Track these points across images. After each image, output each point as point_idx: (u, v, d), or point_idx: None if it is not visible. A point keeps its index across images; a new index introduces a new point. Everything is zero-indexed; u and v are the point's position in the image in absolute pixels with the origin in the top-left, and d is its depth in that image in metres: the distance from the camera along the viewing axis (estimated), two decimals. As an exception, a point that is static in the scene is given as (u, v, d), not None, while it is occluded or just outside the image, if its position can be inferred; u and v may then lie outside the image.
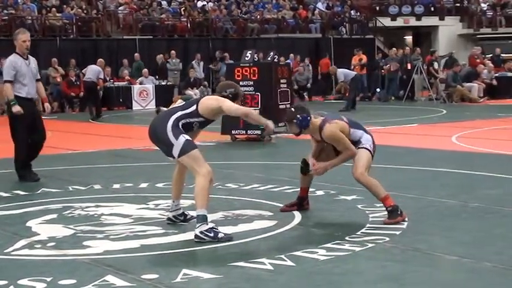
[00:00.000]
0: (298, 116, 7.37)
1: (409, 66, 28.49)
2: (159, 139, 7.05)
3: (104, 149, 14.55)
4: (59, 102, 26.98)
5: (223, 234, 6.82)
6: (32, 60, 10.87)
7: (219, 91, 7.26)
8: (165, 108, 7.60)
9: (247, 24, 34.39)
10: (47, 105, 11.36)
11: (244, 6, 36.53)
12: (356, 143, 7.58)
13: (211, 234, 6.76)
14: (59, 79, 27.09)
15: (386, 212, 7.68)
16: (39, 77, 11.11)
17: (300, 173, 7.91)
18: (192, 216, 7.69)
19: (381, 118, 20.74)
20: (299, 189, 8.08)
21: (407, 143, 14.78)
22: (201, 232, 6.77)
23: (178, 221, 7.55)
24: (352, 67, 28.70)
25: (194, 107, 7.04)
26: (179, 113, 7.03)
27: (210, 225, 6.85)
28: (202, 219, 6.81)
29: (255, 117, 7.20)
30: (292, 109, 7.63)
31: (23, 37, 10.64)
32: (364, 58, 29.83)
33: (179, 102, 7.33)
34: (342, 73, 25.23)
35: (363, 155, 7.52)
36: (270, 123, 7.13)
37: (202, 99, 7.15)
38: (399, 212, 7.36)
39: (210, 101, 7.10)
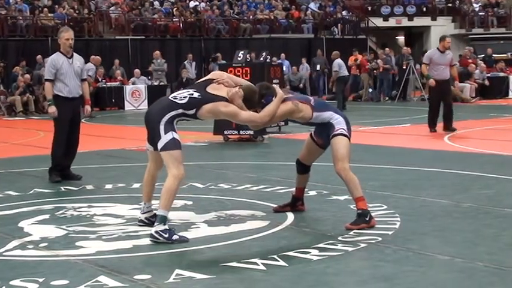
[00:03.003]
0: (263, 101, 7.19)
1: (404, 66, 28.58)
2: (150, 125, 7.01)
3: (96, 150, 14.53)
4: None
5: (177, 237, 6.80)
6: (77, 59, 10.69)
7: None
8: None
9: (240, 24, 34.39)
10: (87, 107, 11.07)
11: (236, 6, 36.53)
12: (327, 125, 7.33)
13: (166, 235, 6.74)
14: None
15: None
16: (84, 77, 10.90)
17: (296, 173, 7.91)
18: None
19: (373, 118, 20.77)
20: (294, 189, 8.07)
21: (400, 143, 14.79)
22: (156, 232, 6.76)
23: (150, 222, 7.40)
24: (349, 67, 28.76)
25: (193, 111, 6.99)
26: (178, 111, 6.95)
27: (167, 226, 6.84)
28: (161, 219, 6.81)
29: (274, 107, 7.17)
30: (257, 89, 7.26)
31: (66, 35, 10.51)
32: (360, 58, 29.85)
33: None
34: (338, 64, 25.19)
35: (340, 145, 7.23)
36: (280, 91, 7.31)
37: (204, 107, 6.97)
38: (367, 218, 7.12)
39: (210, 115, 7.07)
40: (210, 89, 7.11)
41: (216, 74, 7.49)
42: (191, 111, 7.00)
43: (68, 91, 10.50)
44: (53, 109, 10.46)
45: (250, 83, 7.50)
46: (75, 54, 10.69)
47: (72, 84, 10.52)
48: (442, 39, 16.57)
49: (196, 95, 7.05)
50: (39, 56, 27.15)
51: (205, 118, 7.12)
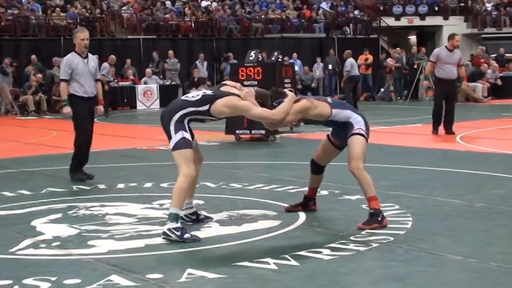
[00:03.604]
0: (275, 103, 7.19)
1: (415, 66, 28.53)
2: (163, 127, 7.06)
3: (109, 149, 14.55)
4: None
5: (189, 235, 6.80)
6: (92, 59, 10.72)
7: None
8: None
9: (251, 24, 34.38)
10: (100, 107, 11.10)
11: (248, 6, 36.54)
12: (346, 125, 7.30)
13: (178, 233, 6.75)
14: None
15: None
16: (98, 77, 10.91)
17: (310, 173, 7.89)
18: (206, 216, 7.70)
19: (385, 118, 20.74)
20: (307, 188, 8.05)
21: (412, 143, 14.77)
22: (169, 229, 6.78)
23: (189, 220, 7.49)
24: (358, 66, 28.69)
25: (207, 107, 6.99)
26: (190, 109, 6.98)
27: (179, 224, 6.85)
28: (173, 217, 6.83)
29: (287, 104, 7.15)
30: (269, 93, 7.29)
31: (81, 35, 10.51)
32: (370, 58, 29.78)
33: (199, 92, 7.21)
34: (351, 63, 25.15)
35: (356, 144, 7.22)
36: (291, 93, 7.31)
37: (217, 102, 6.98)
38: (380, 218, 7.11)
39: (224, 108, 7.01)
40: (223, 89, 7.20)
41: (229, 82, 7.64)
42: (204, 107, 6.99)
43: (84, 91, 10.51)
44: (68, 109, 10.48)
45: None
46: (89, 54, 10.71)
47: (87, 84, 10.54)
48: (451, 37, 16.00)
49: (209, 92, 7.14)
50: (33, 56, 27.26)
51: (219, 114, 7.07)
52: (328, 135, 7.68)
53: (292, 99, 7.22)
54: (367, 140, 7.33)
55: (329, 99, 7.51)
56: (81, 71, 10.47)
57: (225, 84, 7.33)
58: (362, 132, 7.28)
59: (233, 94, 7.08)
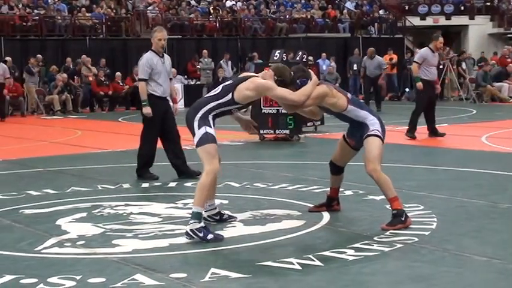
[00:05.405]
0: (298, 81, 7.22)
1: (441, 66, 28.36)
2: (188, 125, 7.06)
3: (133, 148, 14.54)
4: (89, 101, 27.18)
5: (212, 236, 6.78)
6: (167, 59, 10.70)
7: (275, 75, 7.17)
8: None
9: (276, 23, 34.38)
10: (176, 106, 11.03)
11: (273, 5, 36.54)
12: (361, 125, 7.30)
13: (201, 234, 6.74)
14: (91, 78, 27.16)
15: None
16: (171, 76, 10.86)
17: (330, 174, 7.88)
18: (230, 215, 7.71)
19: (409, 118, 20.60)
20: (329, 189, 8.05)
21: (437, 143, 14.71)
22: (191, 230, 6.77)
23: (212, 220, 7.50)
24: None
25: (229, 96, 6.99)
26: (212, 104, 6.98)
27: (202, 224, 6.83)
28: (195, 216, 6.81)
29: (310, 88, 7.15)
30: (292, 72, 7.28)
31: (159, 35, 10.43)
32: (395, 57, 29.62)
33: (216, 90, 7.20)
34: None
35: (372, 145, 7.21)
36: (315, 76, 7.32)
37: (239, 86, 6.99)
38: (403, 218, 7.09)
39: (247, 92, 6.99)
40: (241, 75, 7.31)
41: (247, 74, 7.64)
42: (227, 97, 6.98)
43: (162, 91, 10.49)
44: (148, 109, 10.41)
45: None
46: (164, 54, 10.68)
47: (165, 83, 10.52)
48: (436, 38, 15.41)
49: (228, 82, 7.17)
50: (39, 56, 27.32)
51: (244, 99, 7.03)
52: (344, 136, 7.68)
53: (315, 83, 7.23)
54: (383, 142, 7.31)
55: (349, 95, 7.47)
56: (159, 70, 10.43)
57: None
58: (378, 133, 7.27)
59: (253, 76, 7.16)
